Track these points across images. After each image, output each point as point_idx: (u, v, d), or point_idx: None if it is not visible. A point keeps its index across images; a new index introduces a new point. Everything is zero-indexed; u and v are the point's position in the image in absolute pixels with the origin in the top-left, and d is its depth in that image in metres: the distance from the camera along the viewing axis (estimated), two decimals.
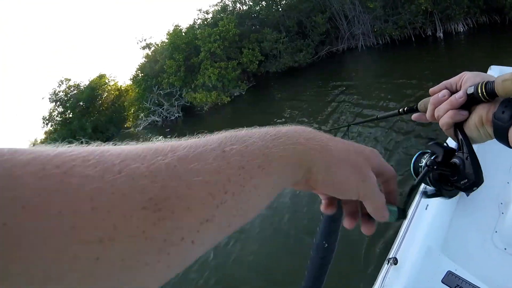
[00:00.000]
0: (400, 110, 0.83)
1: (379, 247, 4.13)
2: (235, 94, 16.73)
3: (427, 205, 2.60)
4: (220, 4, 19.00)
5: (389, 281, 2.05)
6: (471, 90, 0.55)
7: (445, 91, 0.62)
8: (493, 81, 0.51)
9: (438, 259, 2.23)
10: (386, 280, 2.04)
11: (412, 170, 0.65)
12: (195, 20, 19.49)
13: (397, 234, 2.38)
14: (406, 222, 2.47)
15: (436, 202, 2.69)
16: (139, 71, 20.38)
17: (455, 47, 12.88)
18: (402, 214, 0.53)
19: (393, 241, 2.33)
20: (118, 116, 24.67)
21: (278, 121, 10.98)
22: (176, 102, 18.32)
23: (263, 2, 17.41)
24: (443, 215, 2.69)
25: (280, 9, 16.94)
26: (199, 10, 19.57)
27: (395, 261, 2.13)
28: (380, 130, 6.55)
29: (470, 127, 0.58)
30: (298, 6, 17.01)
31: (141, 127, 20.58)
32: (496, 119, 0.51)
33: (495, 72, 4.45)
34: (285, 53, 16.67)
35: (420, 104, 0.72)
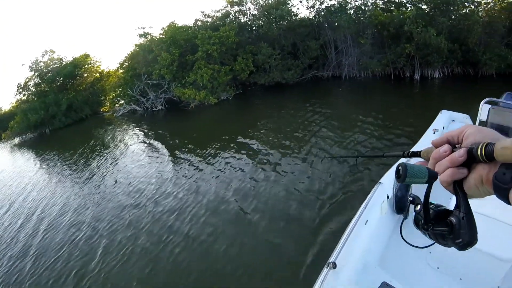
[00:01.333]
0: (405, 152, 0.91)
1: (319, 253, 4.66)
2: (222, 98, 17.25)
3: (367, 220, 2.82)
4: (223, 11, 19.73)
5: (327, 284, 2.17)
6: (471, 149, 0.57)
7: (446, 147, 0.63)
8: (493, 144, 0.52)
9: (374, 270, 2.40)
10: (325, 284, 2.16)
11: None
12: (196, 20, 20.01)
13: (338, 240, 2.57)
14: (346, 232, 2.65)
15: (376, 219, 2.95)
16: (128, 59, 20.39)
17: (429, 90, 14.38)
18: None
19: (334, 247, 2.50)
20: (94, 99, 24.29)
21: (253, 130, 11.81)
22: (163, 95, 18.49)
23: (264, 19, 18.26)
24: (383, 232, 2.93)
25: (279, 29, 17.86)
26: (202, 12, 20.15)
27: (334, 265, 2.27)
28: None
29: (470, 185, 0.59)
30: (296, 29, 18.09)
31: (120, 113, 20.48)
32: (497, 180, 0.52)
33: (445, 116, 5.27)
34: (276, 69, 17.56)
35: (423, 153, 0.75)
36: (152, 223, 6.75)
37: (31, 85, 24.63)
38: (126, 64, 19.81)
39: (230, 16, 19.57)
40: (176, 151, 11.41)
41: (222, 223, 6.10)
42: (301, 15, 19.17)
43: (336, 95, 15.78)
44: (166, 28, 19.58)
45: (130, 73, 19.04)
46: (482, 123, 4.04)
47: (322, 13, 18.70)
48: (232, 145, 10.58)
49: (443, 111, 5.33)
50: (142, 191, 8.54)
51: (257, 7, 19.27)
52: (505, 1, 15.12)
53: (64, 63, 24.48)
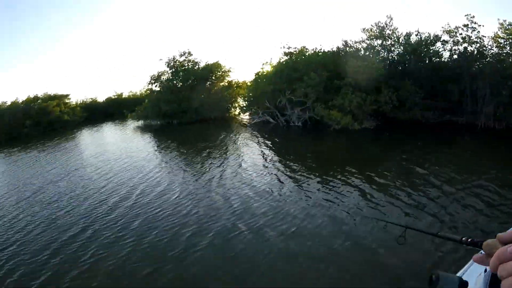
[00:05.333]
0: (463, 239, 0.75)
1: None
2: (364, 126, 18.09)
3: None
4: (363, 44, 21.02)
5: None
6: None
7: None
8: None
9: None
10: None
11: None
12: (339, 49, 21.43)
13: None
14: None
15: None
16: (272, 73, 22.26)
17: None
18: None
19: None
20: (223, 104, 26.69)
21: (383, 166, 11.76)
22: (306, 112, 19.87)
23: (413, 56, 19.08)
24: None
25: (425, 68, 18.55)
26: (344, 41, 21.56)
27: None
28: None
29: None
30: (439, 71, 18.67)
31: (254, 121, 22.46)
32: None
33: None
34: (417, 107, 18.16)
35: (485, 246, 0.63)
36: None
37: (164, 79, 27.48)
38: (270, 77, 21.58)
39: (372, 50, 20.68)
40: (310, 169, 11.80)
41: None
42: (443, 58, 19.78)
43: (467, 147, 14.97)
44: (297, 52, 21.57)
45: (271, 87, 20.65)
46: None
47: (463, 56, 19.09)
48: (368, 174, 10.67)
49: None
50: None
51: (401, 44, 20.23)
52: None
53: (197, 66, 27.07)
